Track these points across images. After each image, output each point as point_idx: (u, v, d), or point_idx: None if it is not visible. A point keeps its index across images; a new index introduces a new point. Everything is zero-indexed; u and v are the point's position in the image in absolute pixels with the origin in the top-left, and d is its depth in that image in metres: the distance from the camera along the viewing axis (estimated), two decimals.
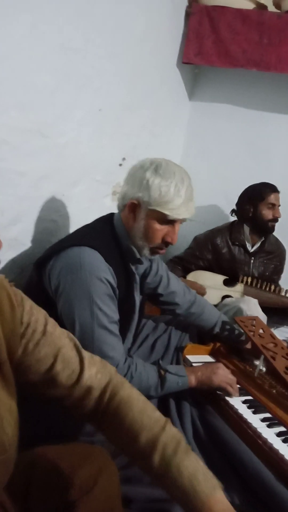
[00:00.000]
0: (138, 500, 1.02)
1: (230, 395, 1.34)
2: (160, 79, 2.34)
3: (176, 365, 1.48)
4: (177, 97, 2.64)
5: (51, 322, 0.82)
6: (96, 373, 0.82)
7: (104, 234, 1.31)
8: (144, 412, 0.79)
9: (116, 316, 1.25)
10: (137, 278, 1.42)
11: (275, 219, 2.25)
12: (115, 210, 1.41)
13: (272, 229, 2.28)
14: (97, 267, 1.20)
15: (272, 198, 2.23)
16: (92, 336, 1.18)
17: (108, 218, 1.37)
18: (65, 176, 1.72)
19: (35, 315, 0.78)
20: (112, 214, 1.40)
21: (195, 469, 0.73)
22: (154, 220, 1.26)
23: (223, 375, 1.33)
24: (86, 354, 0.83)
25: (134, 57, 2.01)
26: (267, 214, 2.23)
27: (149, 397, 1.28)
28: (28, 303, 0.78)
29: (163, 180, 1.22)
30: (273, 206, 2.23)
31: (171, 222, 1.27)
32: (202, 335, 1.75)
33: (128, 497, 1.01)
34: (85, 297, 1.18)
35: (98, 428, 0.83)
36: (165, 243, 1.30)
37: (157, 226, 1.26)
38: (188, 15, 2.43)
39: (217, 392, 1.35)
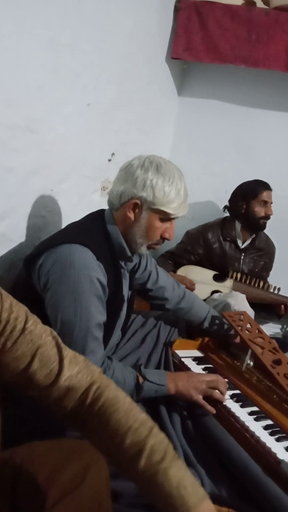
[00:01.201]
0: (127, 495, 1.02)
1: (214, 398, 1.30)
2: (149, 74, 2.34)
3: (160, 370, 1.45)
4: (166, 92, 2.64)
5: (32, 319, 0.81)
6: (77, 373, 0.80)
7: (95, 231, 1.30)
8: (130, 414, 0.77)
9: (101, 318, 1.24)
10: (127, 274, 1.42)
11: (267, 217, 2.27)
12: (104, 206, 1.41)
13: (264, 226, 2.31)
14: (88, 266, 1.19)
15: (264, 195, 2.25)
16: (72, 335, 1.17)
17: (99, 215, 1.37)
18: (53, 172, 1.71)
19: (14, 312, 0.77)
20: (102, 211, 1.39)
21: (182, 477, 0.71)
22: (156, 219, 1.29)
23: (203, 389, 1.28)
24: (68, 353, 0.82)
25: (122, 52, 2.01)
26: (260, 211, 2.26)
27: None
28: (8, 300, 0.77)
29: (166, 180, 1.25)
30: (266, 204, 2.26)
31: (170, 219, 1.30)
32: (191, 330, 1.76)
33: (117, 491, 1.01)
34: (72, 295, 1.17)
35: (81, 431, 0.80)
36: (163, 239, 1.34)
37: (159, 224, 1.29)
38: (177, 10, 2.42)
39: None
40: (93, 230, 1.30)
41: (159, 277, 1.62)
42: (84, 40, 1.69)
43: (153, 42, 2.32)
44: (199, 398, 1.28)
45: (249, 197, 2.27)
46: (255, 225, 2.30)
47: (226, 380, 1.41)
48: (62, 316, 1.18)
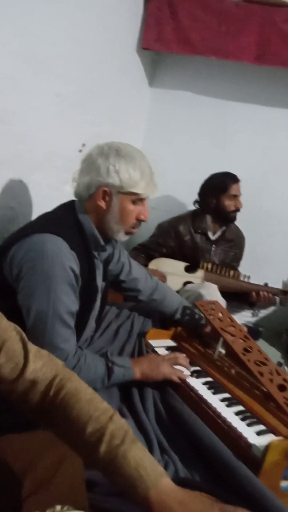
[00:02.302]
0: (102, 484, 1.03)
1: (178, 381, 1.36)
2: (120, 64, 2.32)
3: (123, 356, 1.48)
4: (137, 83, 2.63)
5: None
6: (42, 366, 0.80)
7: (66, 221, 1.30)
8: (91, 404, 0.78)
9: (74, 306, 1.24)
10: (100, 264, 1.42)
11: (237, 210, 2.30)
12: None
13: (234, 218, 2.34)
14: (60, 254, 1.19)
15: (234, 189, 2.27)
16: (46, 324, 1.17)
17: (70, 205, 1.36)
18: (23, 163, 1.68)
19: None
20: (73, 201, 1.38)
21: (141, 458, 0.72)
22: (128, 202, 1.29)
23: (167, 366, 1.34)
24: (32, 347, 0.82)
25: (93, 41, 1.98)
26: (230, 205, 2.28)
27: (96, 388, 1.28)
28: None
29: (128, 162, 1.25)
30: (235, 197, 2.28)
31: (141, 200, 1.31)
32: (164, 321, 1.78)
33: (92, 481, 1.01)
34: (45, 284, 1.17)
35: (46, 423, 0.80)
36: (139, 222, 1.35)
37: (131, 207, 1.30)
38: (147, 0, 2.40)
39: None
40: (64, 220, 1.29)
41: (132, 268, 1.62)
42: (55, 29, 1.66)
43: (124, 32, 2.30)
44: (165, 372, 1.33)
45: (218, 192, 2.28)
46: (226, 218, 2.33)
47: (199, 368, 1.43)
48: (35, 306, 1.17)
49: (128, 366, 1.31)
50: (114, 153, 1.25)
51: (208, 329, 1.68)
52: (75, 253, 1.22)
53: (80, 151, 2.09)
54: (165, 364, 1.35)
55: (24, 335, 0.82)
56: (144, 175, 1.27)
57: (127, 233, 1.36)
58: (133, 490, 0.70)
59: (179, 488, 0.72)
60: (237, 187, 2.29)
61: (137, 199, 1.30)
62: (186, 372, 1.40)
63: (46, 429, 0.83)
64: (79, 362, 1.22)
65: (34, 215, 1.40)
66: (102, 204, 1.28)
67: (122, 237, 1.35)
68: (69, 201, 1.39)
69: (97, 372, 1.25)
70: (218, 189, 2.28)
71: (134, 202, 1.30)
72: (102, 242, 1.34)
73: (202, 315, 1.68)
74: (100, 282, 1.41)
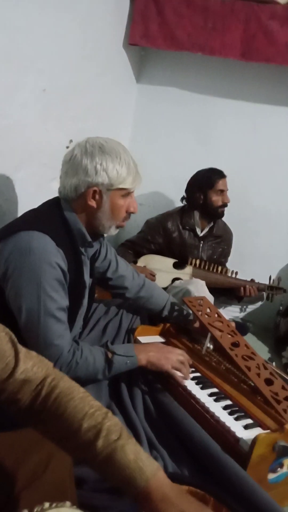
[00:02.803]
0: (91, 481, 1.03)
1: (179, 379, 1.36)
2: (107, 60, 2.31)
3: (126, 344, 1.50)
4: (124, 79, 2.62)
5: None
6: (32, 366, 0.80)
7: (52, 218, 1.29)
8: (85, 401, 0.79)
9: (64, 302, 1.24)
10: (87, 261, 1.41)
11: (225, 205, 2.31)
12: None
13: (222, 214, 2.35)
14: (47, 251, 1.18)
15: (220, 184, 2.28)
16: (38, 322, 1.17)
17: (55, 202, 1.35)
18: (9, 160, 1.67)
19: None
20: (58, 198, 1.37)
21: (138, 452, 0.75)
22: (118, 198, 1.30)
23: (174, 360, 1.35)
24: (22, 349, 0.81)
25: (78, 37, 1.97)
26: (217, 200, 2.29)
27: (97, 380, 1.29)
28: None
29: (114, 159, 1.25)
30: (222, 192, 2.29)
31: (129, 193, 1.32)
32: (152, 317, 1.78)
33: (81, 478, 1.02)
34: (33, 282, 1.16)
35: (35, 423, 0.80)
36: (129, 214, 1.36)
37: (122, 202, 1.31)
38: None
39: (167, 374, 1.37)
40: (50, 217, 1.28)
41: (119, 266, 1.62)
42: (38, 23, 1.64)
43: (110, 28, 2.29)
44: (169, 368, 1.33)
45: (205, 187, 2.29)
46: (214, 214, 2.34)
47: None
48: (25, 304, 1.17)
49: (131, 354, 1.31)
50: (99, 151, 1.25)
51: (196, 324, 1.68)
52: (61, 250, 1.22)
53: (67, 147, 2.07)
54: (173, 360, 1.35)
55: (13, 336, 0.82)
56: (130, 169, 1.28)
57: (118, 227, 1.37)
58: (132, 482, 0.71)
59: (173, 483, 0.74)
60: (224, 182, 2.29)
61: (126, 193, 1.31)
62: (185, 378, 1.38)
63: (34, 429, 0.82)
64: (75, 356, 1.22)
65: (21, 213, 1.38)
66: (93, 203, 1.28)
67: (113, 231, 1.36)
68: (54, 198, 1.38)
69: (96, 364, 1.25)
70: (205, 185, 2.29)
71: (123, 196, 1.31)
72: (89, 239, 1.34)
73: (189, 311, 1.68)
74: (87, 279, 1.41)
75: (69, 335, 1.25)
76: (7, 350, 0.78)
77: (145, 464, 0.73)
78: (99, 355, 1.27)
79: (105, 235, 1.44)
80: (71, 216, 1.30)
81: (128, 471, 0.72)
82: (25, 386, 0.78)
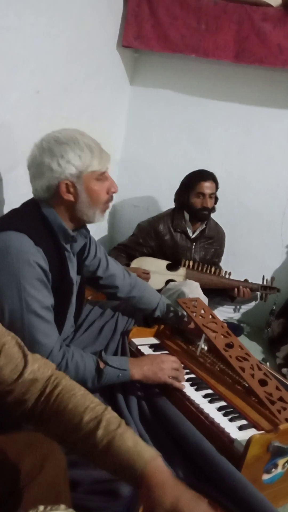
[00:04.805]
0: (85, 483, 1.03)
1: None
2: (100, 61, 2.30)
3: (121, 356, 1.47)
4: (117, 81, 2.61)
5: None
6: (39, 367, 0.84)
7: (30, 216, 1.26)
8: (87, 397, 0.82)
9: (48, 301, 1.22)
10: (72, 257, 1.39)
11: (205, 208, 2.27)
12: None
13: (204, 217, 2.32)
14: (25, 251, 1.17)
15: (199, 187, 2.25)
16: (22, 322, 1.16)
17: (32, 201, 1.32)
18: (1, 160, 1.66)
19: None
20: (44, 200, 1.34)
21: (137, 439, 0.78)
22: (93, 182, 1.26)
23: (170, 369, 1.33)
24: (28, 351, 0.85)
25: (71, 38, 1.96)
26: (196, 202, 2.27)
27: (86, 387, 1.28)
28: None
29: (73, 146, 1.22)
30: (202, 195, 2.26)
31: (103, 175, 1.28)
32: (148, 320, 1.78)
33: (75, 480, 1.02)
34: (13, 283, 1.15)
35: (40, 422, 0.82)
36: (111, 196, 1.33)
37: (97, 186, 1.27)
38: None
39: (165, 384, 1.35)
40: (28, 216, 1.26)
41: (109, 264, 1.61)
42: (30, 23, 1.63)
43: (103, 29, 2.28)
44: (166, 378, 1.31)
45: (186, 189, 2.29)
46: (196, 216, 2.32)
47: (182, 365, 1.43)
48: (7, 305, 1.16)
49: (125, 367, 1.28)
50: (55, 144, 1.23)
51: (191, 325, 1.68)
52: (41, 248, 1.20)
53: None
54: (169, 369, 1.32)
55: (19, 339, 0.85)
56: (93, 151, 1.24)
57: (104, 211, 1.33)
58: (131, 465, 0.74)
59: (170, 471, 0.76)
60: (205, 186, 2.25)
61: (99, 175, 1.27)
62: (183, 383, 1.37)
63: (36, 428, 0.84)
64: (64, 358, 1.20)
65: None
66: (69, 197, 1.26)
67: (99, 218, 1.32)
68: (31, 198, 1.35)
69: (87, 371, 1.23)
70: (186, 187, 2.29)
71: (97, 179, 1.27)
72: (71, 233, 1.31)
73: (183, 312, 1.68)
74: (74, 276, 1.39)
75: (57, 335, 1.23)
76: (15, 353, 0.82)
77: (144, 450, 0.76)
78: (90, 363, 1.24)
79: (93, 223, 1.37)
80: (50, 213, 1.28)
81: (127, 455, 0.75)
82: (33, 386, 0.82)
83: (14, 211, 1.31)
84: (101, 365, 1.24)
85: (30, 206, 1.30)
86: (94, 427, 0.77)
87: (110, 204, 1.35)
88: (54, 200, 1.28)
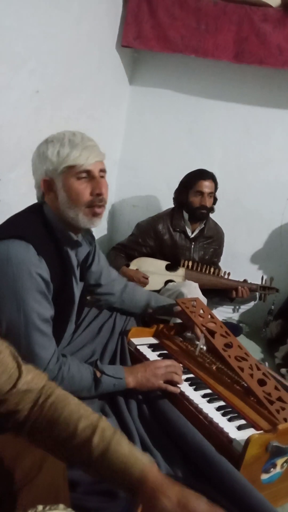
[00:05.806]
0: (84, 483, 1.03)
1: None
2: (99, 61, 2.30)
3: (118, 363, 1.46)
4: (117, 81, 2.61)
5: None
6: (32, 378, 0.83)
7: (33, 222, 1.23)
8: (80, 406, 0.82)
9: (48, 313, 1.20)
10: (75, 265, 1.36)
11: (203, 207, 2.27)
12: None
13: (202, 216, 2.32)
14: (27, 261, 1.13)
15: (198, 185, 2.26)
16: (19, 334, 1.14)
17: (37, 206, 1.30)
18: (1, 160, 1.66)
19: None
20: (43, 202, 1.32)
21: (132, 447, 0.78)
22: (72, 180, 1.20)
23: (163, 373, 1.31)
24: (22, 362, 0.84)
25: (70, 38, 1.96)
26: (195, 201, 2.27)
27: (80, 397, 1.27)
28: None
29: (55, 143, 1.20)
30: (201, 194, 2.26)
31: (87, 173, 1.21)
32: (146, 319, 1.78)
33: (75, 481, 1.02)
34: (12, 294, 1.13)
35: (32, 434, 0.81)
36: (97, 198, 1.23)
37: (76, 183, 1.20)
38: None
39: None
40: (31, 222, 1.23)
41: (111, 271, 1.63)
42: (29, 23, 1.63)
43: (103, 29, 2.28)
44: (160, 383, 1.30)
45: (186, 187, 2.30)
46: (194, 215, 2.32)
47: (181, 364, 1.44)
48: (5, 316, 1.14)
49: (120, 376, 1.27)
50: (43, 143, 1.24)
51: (190, 326, 1.68)
52: (44, 257, 1.17)
53: None
54: (162, 373, 1.31)
55: (14, 349, 0.84)
56: (75, 146, 1.18)
57: (91, 214, 1.23)
58: (127, 471, 0.73)
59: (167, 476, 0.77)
60: (204, 184, 2.26)
61: (80, 173, 1.20)
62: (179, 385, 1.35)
63: (27, 440, 0.83)
64: (61, 371, 1.19)
65: (13, 213, 1.37)
66: (51, 195, 1.23)
67: (86, 221, 1.23)
68: (36, 202, 1.33)
69: (83, 382, 1.22)
70: (186, 185, 2.30)
71: (78, 178, 1.20)
72: (74, 237, 1.29)
73: (172, 301, 1.70)
74: (77, 284, 1.37)
75: (54, 347, 1.21)
76: (10, 363, 0.81)
77: (141, 456, 0.76)
78: (87, 373, 1.23)
79: (86, 229, 1.34)
80: (53, 218, 1.26)
81: (124, 459, 0.75)
82: (26, 396, 0.81)
83: (15, 217, 1.28)
84: (98, 374, 1.24)
85: (32, 212, 1.28)
86: (90, 433, 0.77)
87: (103, 209, 1.26)
88: (45, 200, 1.28)
